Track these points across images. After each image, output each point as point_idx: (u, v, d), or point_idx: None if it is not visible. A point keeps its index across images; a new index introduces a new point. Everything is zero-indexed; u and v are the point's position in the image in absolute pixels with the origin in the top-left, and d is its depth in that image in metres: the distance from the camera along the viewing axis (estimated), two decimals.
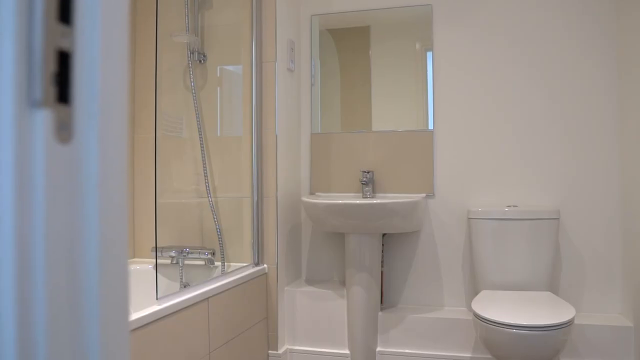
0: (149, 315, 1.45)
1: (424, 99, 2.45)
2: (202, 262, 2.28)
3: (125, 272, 0.46)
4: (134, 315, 1.41)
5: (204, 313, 1.76)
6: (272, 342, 2.27)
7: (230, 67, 2.40)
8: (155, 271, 1.67)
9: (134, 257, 2.48)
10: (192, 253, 2.22)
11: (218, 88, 2.40)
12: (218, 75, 2.40)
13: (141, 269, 2.28)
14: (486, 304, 1.92)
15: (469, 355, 2.20)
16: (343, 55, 2.56)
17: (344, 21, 2.55)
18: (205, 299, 1.77)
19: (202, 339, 1.75)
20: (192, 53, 2.36)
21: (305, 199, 2.21)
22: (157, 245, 2.30)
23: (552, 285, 2.27)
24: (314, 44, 2.61)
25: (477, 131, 2.39)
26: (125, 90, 0.44)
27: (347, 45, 2.55)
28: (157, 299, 1.54)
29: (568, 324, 1.74)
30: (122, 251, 0.45)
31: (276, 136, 2.29)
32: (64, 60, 0.39)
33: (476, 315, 1.85)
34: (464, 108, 2.41)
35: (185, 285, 2.24)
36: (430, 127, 2.44)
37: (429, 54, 2.44)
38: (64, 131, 0.39)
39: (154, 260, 2.33)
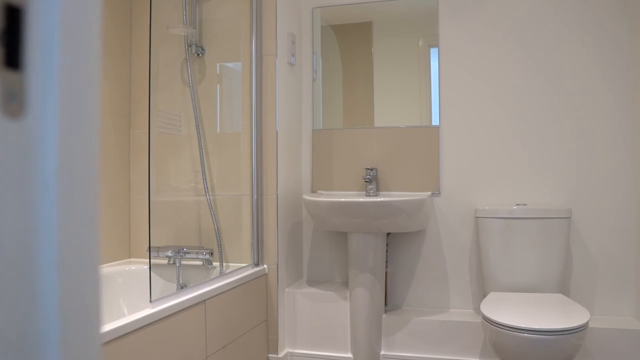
0: (142, 319, 1.37)
1: (428, 95, 2.37)
2: (200, 263, 2.20)
3: (96, 280, 0.38)
4: (126, 319, 1.33)
5: (201, 316, 1.68)
6: (272, 345, 2.19)
7: (229, 61, 2.32)
8: (149, 272, 1.59)
9: (130, 257, 2.40)
10: (189, 253, 2.14)
11: (217, 82, 2.32)
12: (216, 69, 2.32)
13: (137, 269, 2.20)
14: (496, 307, 1.84)
15: (476, 359, 2.12)
16: (345, 51, 2.48)
17: (346, 17, 2.47)
18: (202, 301, 1.69)
19: (199, 343, 1.67)
20: (190, 46, 2.28)
21: (306, 197, 2.13)
22: (154, 245, 2.22)
23: (563, 287, 2.19)
24: (315, 38, 2.53)
25: (485, 127, 2.31)
26: (97, 54, 0.36)
27: (349, 41, 2.47)
28: (150, 301, 1.46)
29: (582, 328, 1.66)
30: (91, 257, 0.37)
31: (276, 132, 2.22)
32: (13, 16, 0.31)
33: (485, 319, 1.77)
34: (471, 103, 2.33)
35: (182, 287, 2.16)
36: (435, 123, 2.36)
37: (433, 50, 2.36)
38: (12, 103, 0.31)
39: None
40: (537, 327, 1.62)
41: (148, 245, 2.33)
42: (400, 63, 2.41)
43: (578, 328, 1.64)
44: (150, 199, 1.75)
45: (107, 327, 1.26)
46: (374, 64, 2.44)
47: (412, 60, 2.39)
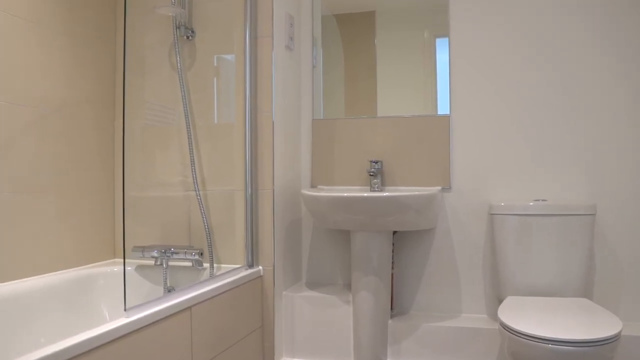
0: (114, 330, 1.19)
1: (434, 83, 2.19)
2: (190, 264, 2.03)
3: None
4: (94, 332, 1.15)
5: (186, 324, 1.50)
6: (268, 354, 2.02)
7: (221, 44, 2.14)
8: (123, 277, 1.41)
9: (114, 257, 2.23)
10: (177, 253, 1.96)
11: (208, 68, 2.13)
12: (208, 53, 2.13)
13: (120, 270, 2.02)
14: (515, 313, 1.66)
15: None
16: (347, 41, 2.31)
17: (347, 5, 2.31)
18: (187, 308, 1.51)
19: (183, 355, 1.49)
20: (179, 28, 2.10)
21: (305, 192, 1.96)
22: (139, 245, 2.06)
23: (586, 291, 2.01)
24: (315, 24, 2.36)
25: (500, 116, 2.13)
26: None
27: (351, 32, 2.31)
28: (125, 310, 1.28)
29: (614, 338, 1.47)
30: None
31: (273, 122, 2.04)
32: None
33: (504, 326, 1.59)
34: (485, 91, 2.14)
35: (169, 290, 1.99)
36: (446, 112, 2.18)
37: (439, 41, 2.20)
38: None
39: (136, 261, 2.09)
40: (563, 338, 1.44)
41: (135, 245, 2.16)
42: (404, 52, 2.24)
43: (609, 339, 1.46)
44: (125, 194, 1.58)
45: (70, 341, 1.09)
46: (377, 52, 2.27)
47: (416, 49, 2.23)
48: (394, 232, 2.21)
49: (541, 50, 2.09)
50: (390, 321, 2.07)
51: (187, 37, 2.14)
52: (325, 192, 1.94)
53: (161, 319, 1.38)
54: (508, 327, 1.57)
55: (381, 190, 2.16)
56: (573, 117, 2.06)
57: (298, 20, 2.34)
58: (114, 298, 1.96)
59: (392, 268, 2.18)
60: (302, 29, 2.38)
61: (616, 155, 2.02)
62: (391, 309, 2.14)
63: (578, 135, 2.05)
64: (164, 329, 1.40)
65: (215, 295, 1.68)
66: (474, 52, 2.16)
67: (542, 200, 2.01)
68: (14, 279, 1.74)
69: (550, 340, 1.46)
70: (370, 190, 2.16)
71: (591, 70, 2.04)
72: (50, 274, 1.87)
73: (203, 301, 1.60)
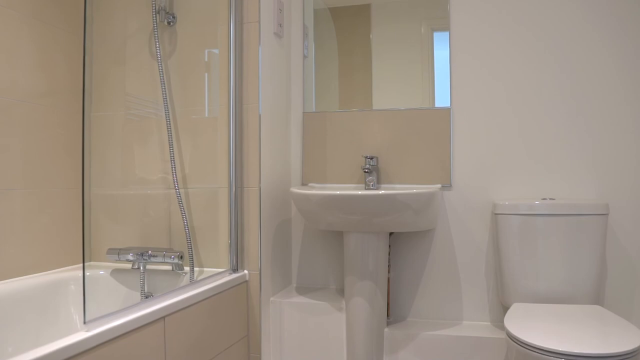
0: (69, 347, 1.04)
1: (432, 76, 2.06)
2: (170, 267, 1.87)
3: None
4: (44, 350, 0.99)
5: (159, 336, 1.35)
6: None
7: (204, 31, 1.98)
8: (82, 285, 1.26)
9: (90, 261, 2.07)
10: (155, 256, 1.81)
11: (190, 56, 1.98)
12: (189, 40, 1.98)
13: (92, 274, 1.87)
14: (523, 323, 1.52)
15: None
16: (342, 34, 2.18)
17: None
18: (160, 318, 1.35)
19: None
20: (158, 13, 1.95)
21: (295, 190, 1.81)
22: (114, 247, 1.91)
23: (598, 297, 1.86)
24: (307, 12, 2.21)
25: (504, 109, 1.99)
26: None
27: (346, 25, 2.17)
28: (84, 322, 1.13)
29: (635, 352, 1.33)
30: None
31: (259, 115, 1.89)
32: None
33: (512, 337, 1.45)
34: (488, 83, 2.00)
35: (147, 296, 1.84)
36: (446, 104, 2.03)
37: (437, 35, 2.07)
38: None
39: (111, 264, 1.94)
40: (579, 352, 1.30)
41: (110, 247, 2.00)
42: (401, 46, 2.11)
43: (630, 353, 1.32)
44: (85, 192, 1.42)
45: (19, 358, 0.93)
46: (373, 46, 2.13)
47: (414, 43, 2.11)
48: (391, 233, 2.07)
49: (547, 43, 1.95)
50: (386, 329, 1.92)
51: (168, 23, 1.98)
52: (317, 190, 1.80)
53: (128, 332, 1.22)
54: (516, 339, 1.43)
55: (377, 189, 2.02)
56: (581, 111, 1.92)
57: (288, 6, 2.19)
58: (86, 304, 1.81)
59: (389, 272, 2.05)
60: (293, 16, 2.23)
61: (628, 151, 1.88)
62: (387, 316, 2.01)
63: (587, 130, 1.91)
64: (132, 343, 1.24)
65: (194, 303, 1.53)
66: (475, 43, 2.02)
67: (550, 199, 1.87)
68: None
69: (564, 355, 1.32)
70: (365, 189, 2.02)
71: (598, 64, 1.90)
72: (18, 278, 1.71)
73: (179, 310, 1.45)
